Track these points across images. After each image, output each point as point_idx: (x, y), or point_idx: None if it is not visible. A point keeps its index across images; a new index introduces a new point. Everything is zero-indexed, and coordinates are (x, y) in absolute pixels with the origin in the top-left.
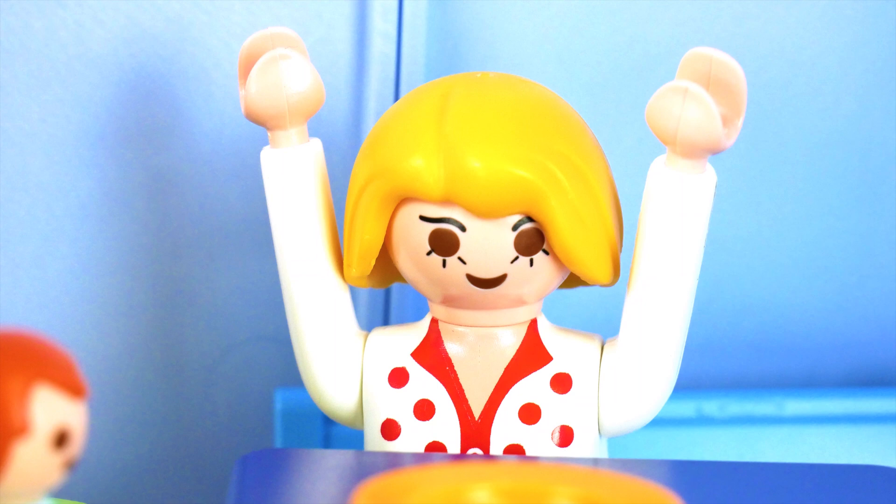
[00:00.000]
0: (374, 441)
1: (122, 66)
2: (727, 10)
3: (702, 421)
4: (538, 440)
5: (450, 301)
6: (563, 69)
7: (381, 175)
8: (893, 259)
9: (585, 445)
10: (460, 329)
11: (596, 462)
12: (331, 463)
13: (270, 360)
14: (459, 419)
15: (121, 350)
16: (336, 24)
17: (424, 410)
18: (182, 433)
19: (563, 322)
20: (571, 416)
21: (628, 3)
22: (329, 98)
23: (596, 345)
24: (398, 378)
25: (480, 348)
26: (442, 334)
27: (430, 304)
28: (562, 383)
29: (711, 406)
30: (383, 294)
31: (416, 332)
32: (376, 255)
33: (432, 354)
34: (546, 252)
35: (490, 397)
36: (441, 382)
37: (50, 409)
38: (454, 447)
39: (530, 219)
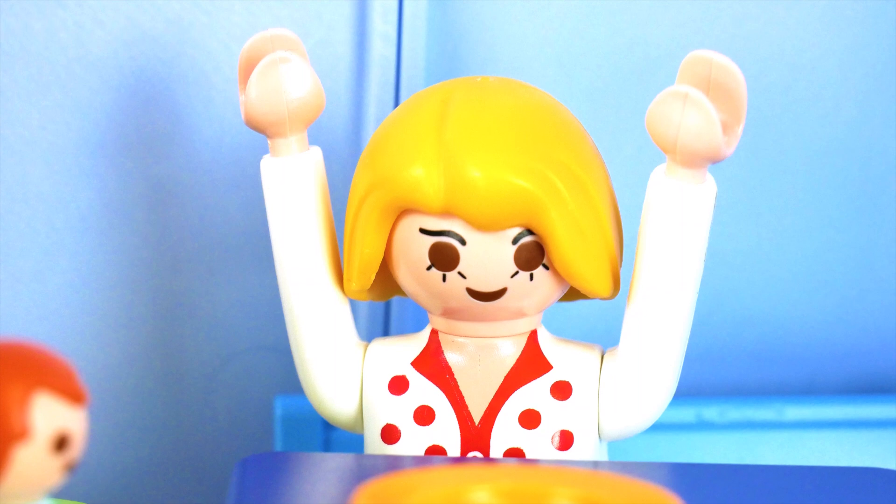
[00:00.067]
0: (374, 445)
1: (122, 70)
2: (727, 12)
3: (702, 426)
4: (538, 444)
5: (450, 313)
6: (563, 72)
7: (381, 185)
8: (893, 272)
9: (585, 449)
10: (460, 339)
11: (596, 464)
12: (330, 465)
13: (270, 369)
14: (459, 424)
15: (121, 359)
16: (336, 26)
17: (424, 416)
18: (182, 438)
19: (563, 333)
20: (571, 422)
21: (628, 6)
22: (329, 103)
23: (596, 354)
24: (398, 386)
25: (480, 358)
26: (442, 344)
27: (429, 315)
28: (562, 391)
29: (711, 412)
30: (383, 305)
31: (415, 343)
32: (376, 270)
33: (432, 363)
34: (546, 267)
35: (490, 404)
36: (441, 390)
37: (50, 415)
38: (454, 451)
39: (530, 232)
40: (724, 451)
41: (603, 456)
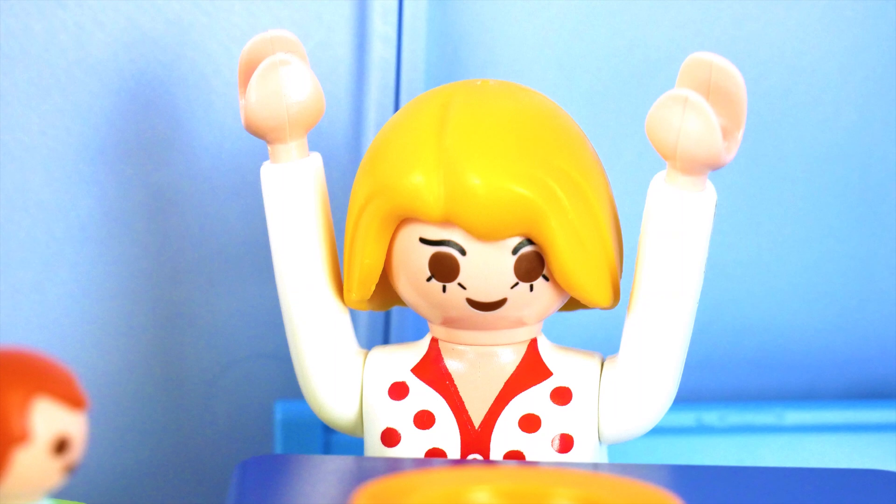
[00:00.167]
0: (374, 449)
1: (122, 73)
2: (727, 14)
3: (702, 430)
4: (538, 447)
5: (450, 322)
6: (563, 74)
7: (381, 193)
8: (893, 281)
9: (585, 452)
10: (460, 347)
11: (595, 466)
12: (330, 468)
13: (270, 376)
14: (459, 428)
15: (121, 366)
16: (336, 27)
17: (424, 420)
18: (182, 441)
19: (563, 341)
20: (571, 426)
21: (628, 7)
22: (329, 107)
23: (596, 361)
24: (398, 391)
25: (480, 365)
26: (442, 352)
27: (429, 324)
28: (562, 396)
29: (711, 416)
30: (383, 314)
31: (415, 350)
32: (376, 280)
33: (432, 370)
34: (546, 278)
35: (490, 408)
36: (441, 395)
37: (50, 419)
38: (454, 454)
39: (530, 242)
40: (724, 454)
41: (603, 459)
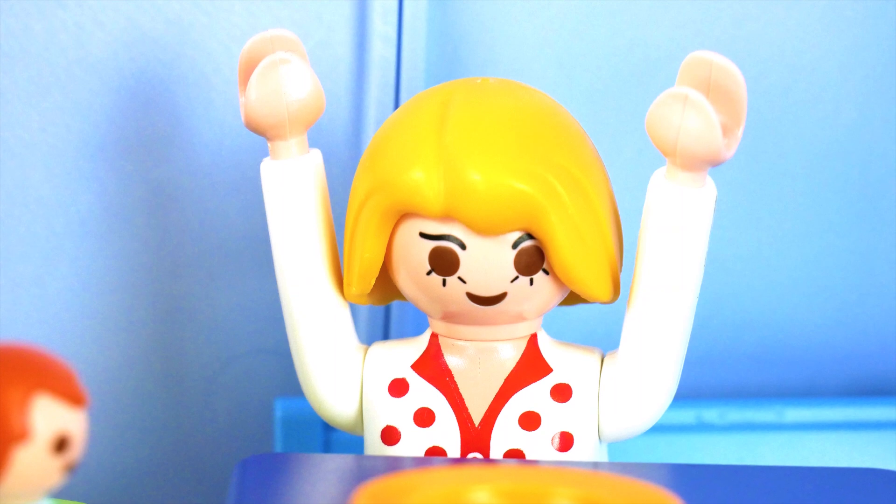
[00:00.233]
0: (374, 447)
1: (121, 72)
2: (727, 13)
3: (702, 428)
4: (538, 446)
5: (450, 317)
6: (563, 73)
7: (381, 189)
8: (893, 276)
9: (585, 451)
10: (460, 343)
11: (596, 465)
12: (330, 467)
13: (270, 372)
14: (459, 426)
15: (121, 362)
16: (336, 27)
17: (424, 418)
18: (182, 439)
19: (563, 337)
20: (571, 423)
21: (628, 6)
22: (329, 105)
23: (596, 357)
24: (398, 388)
25: (480, 361)
26: (442, 348)
27: (429, 319)
28: (562, 393)
29: (711, 414)
30: (383, 309)
31: (416, 346)
32: (376, 274)
33: (432, 366)
34: (546, 272)
35: (490, 406)
36: (441, 392)
37: (50, 417)
38: (454, 453)
39: (530, 236)
40: (724, 452)
41: (603, 457)
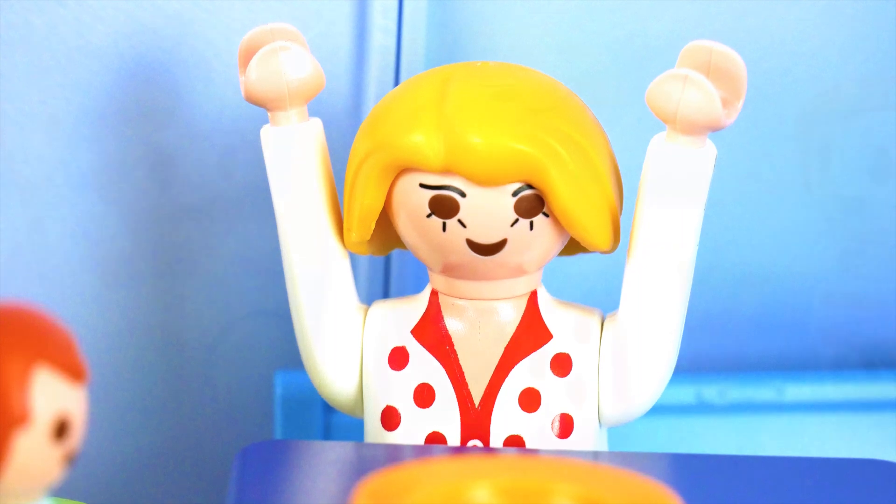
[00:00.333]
0: (374, 431)
1: (122, 57)
2: (727, 6)
3: (702, 408)
4: (538, 430)
5: (450, 270)
6: (563, 63)
7: (380, 149)
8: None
9: (585, 436)
10: (460, 303)
11: (596, 456)
12: (331, 456)
13: (271, 339)
14: (459, 406)
15: (121, 327)
16: (336, 21)
17: (424, 396)
18: (182, 422)
19: (563, 296)
20: (571, 404)
21: None
22: (329, 85)
23: (596, 320)
24: (398, 359)
25: (480, 325)
26: (442, 308)
27: (430, 274)
28: (562, 365)
29: (711, 391)
30: (383, 266)
31: (416, 306)
32: (376, 218)
33: (432, 332)
34: (546, 215)
35: (490, 381)
36: (441, 364)
37: (50, 395)
38: (454, 437)
39: (530, 186)
40: (724, 437)
41: (603, 444)
